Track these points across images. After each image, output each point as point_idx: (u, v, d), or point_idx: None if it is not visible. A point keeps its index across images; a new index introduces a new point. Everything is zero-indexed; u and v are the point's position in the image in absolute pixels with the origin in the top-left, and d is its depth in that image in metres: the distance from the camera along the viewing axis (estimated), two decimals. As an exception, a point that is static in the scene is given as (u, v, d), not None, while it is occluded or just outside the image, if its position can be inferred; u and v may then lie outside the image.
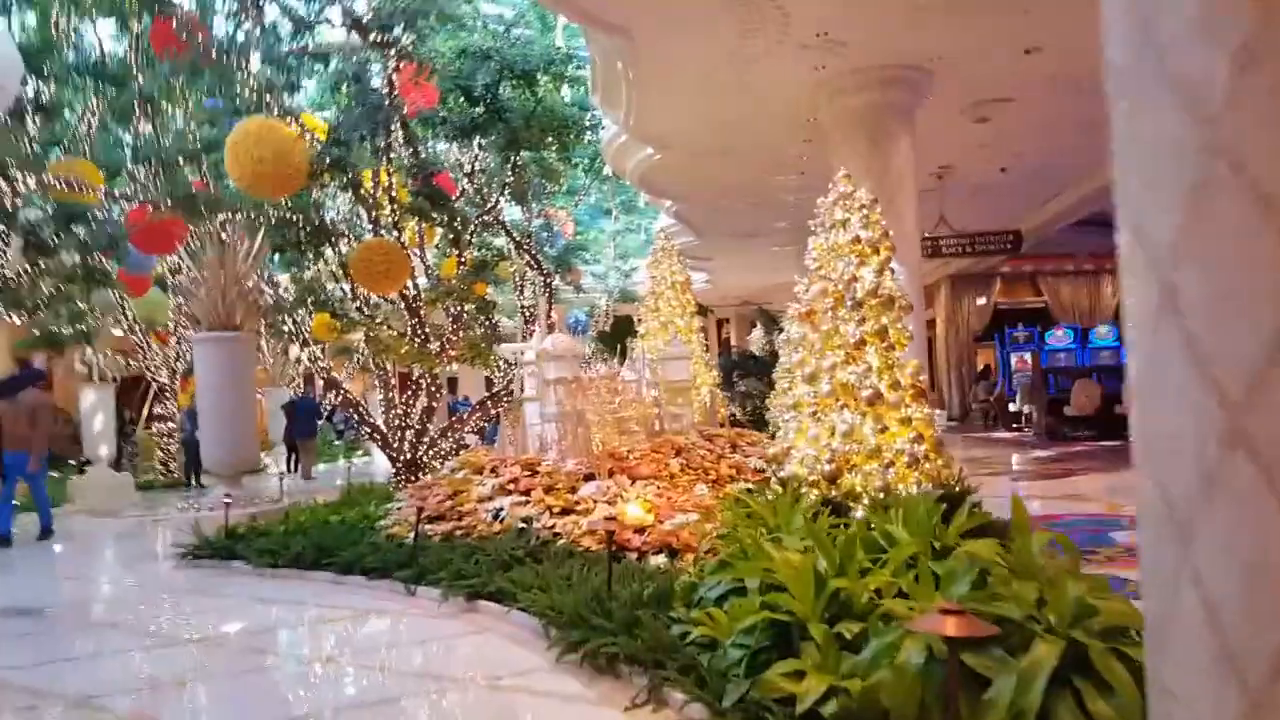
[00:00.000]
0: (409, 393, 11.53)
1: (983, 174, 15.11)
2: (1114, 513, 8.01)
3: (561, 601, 4.51)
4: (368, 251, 9.44)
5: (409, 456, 11.11)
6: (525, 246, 12.79)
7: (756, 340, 18.44)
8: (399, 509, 8.05)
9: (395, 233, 10.15)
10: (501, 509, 6.66)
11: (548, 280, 12.61)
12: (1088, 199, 17.03)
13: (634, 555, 5.53)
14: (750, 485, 8.54)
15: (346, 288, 10.83)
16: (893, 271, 6.20)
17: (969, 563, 3.56)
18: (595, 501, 6.31)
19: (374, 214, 10.35)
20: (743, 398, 16.61)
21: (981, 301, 25.60)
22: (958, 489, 5.87)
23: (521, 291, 13.72)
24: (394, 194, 9.94)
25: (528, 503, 6.71)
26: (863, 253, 6.20)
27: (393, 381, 12.25)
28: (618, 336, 18.21)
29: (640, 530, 5.75)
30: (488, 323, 10.97)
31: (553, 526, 6.18)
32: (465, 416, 11.75)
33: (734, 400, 16.26)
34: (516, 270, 13.79)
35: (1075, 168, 15.15)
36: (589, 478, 6.84)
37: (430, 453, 11.26)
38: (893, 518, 4.75)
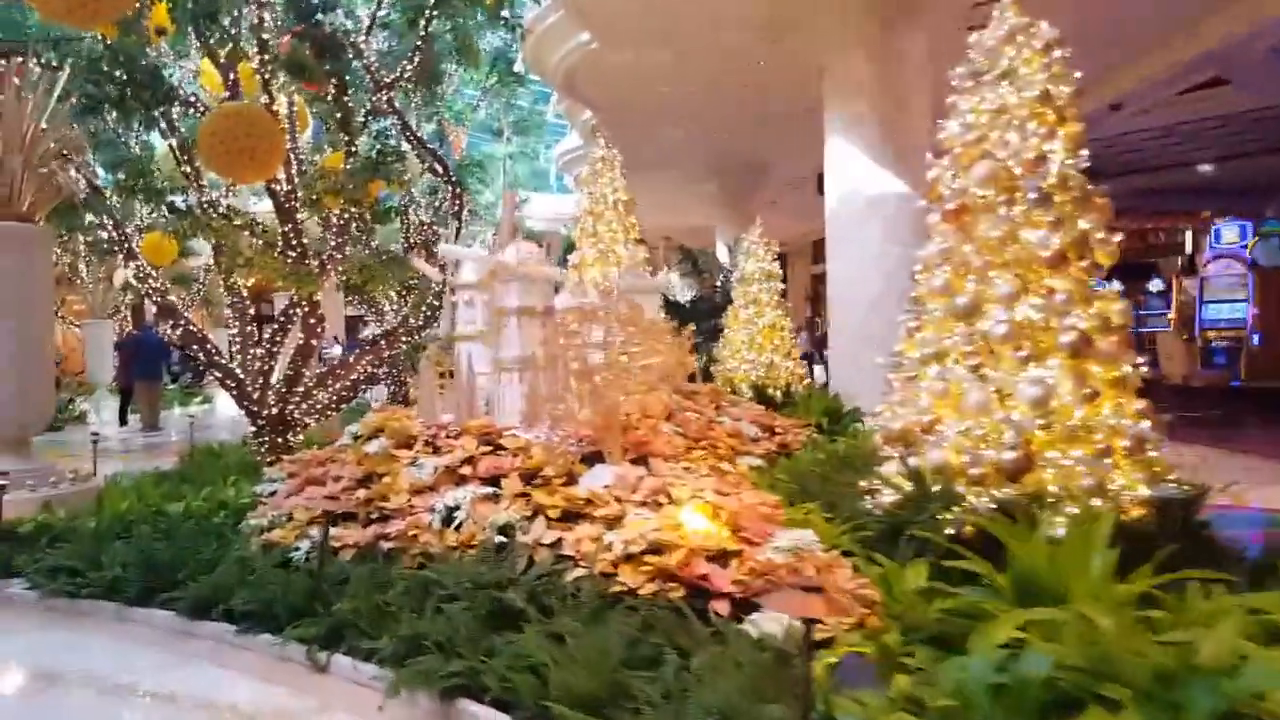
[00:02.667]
0: (274, 328, 8.68)
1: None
2: None
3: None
4: (224, 121, 6.53)
5: (274, 411, 8.31)
6: (428, 146, 9.99)
7: (676, 284, 16.24)
8: (273, 493, 5.43)
9: (264, 99, 7.25)
10: (457, 508, 4.18)
11: (458, 193, 9.89)
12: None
13: (722, 607, 3.20)
14: (758, 460, 6.36)
15: (194, 178, 7.81)
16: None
17: None
18: (619, 501, 3.91)
19: (230, 74, 7.40)
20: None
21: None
22: (1187, 493, 3.83)
23: (405, 215, 10.81)
24: (265, 39, 7.03)
25: (497, 498, 4.25)
26: (1049, 118, 3.99)
27: (251, 312, 9.32)
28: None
29: (722, 559, 3.42)
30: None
31: (555, 544, 3.75)
32: (351, 360, 8.98)
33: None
34: (414, 179, 10.94)
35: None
36: (591, 458, 4.44)
37: (304, 407, 8.49)
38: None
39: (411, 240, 12.47)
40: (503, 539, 3.89)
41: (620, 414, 4.35)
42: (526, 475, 4.37)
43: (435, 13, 8.08)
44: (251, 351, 8.69)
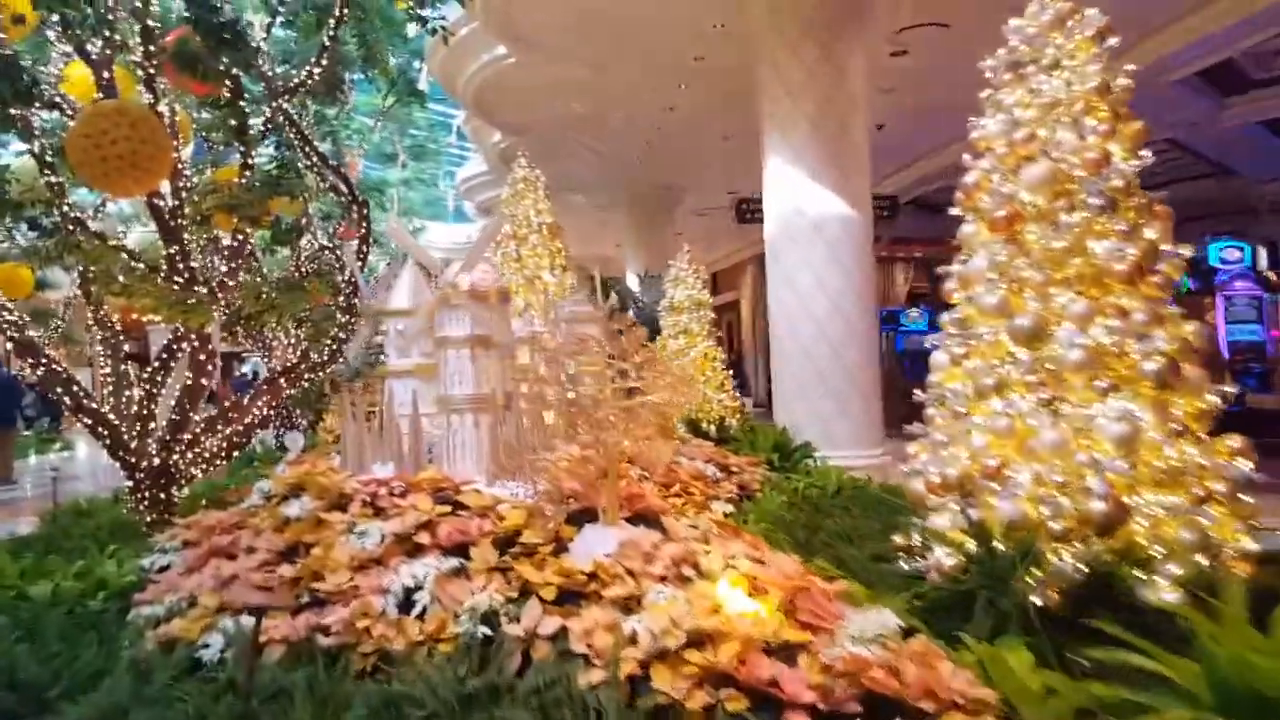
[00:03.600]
0: (154, 366, 7.54)
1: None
2: None
3: None
4: (99, 121, 5.49)
5: (156, 462, 7.15)
6: (330, 163, 9.03)
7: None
8: (165, 568, 4.43)
9: (147, 96, 6.22)
10: (418, 588, 3.33)
11: (363, 214, 8.94)
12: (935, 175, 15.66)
13: None
14: (727, 505, 5.73)
15: (59, 192, 6.66)
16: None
17: None
18: (631, 575, 3.15)
19: (104, 73, 6.36)
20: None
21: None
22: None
23: (299, 235, 9.77)
24: (150, 26, 6.02)
25: (466, 573, 3.42)
26: (1105, 114, 3.50)
27: (125, 347, 8.13)
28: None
29: (785, 653, 2.70)
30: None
31: (557, 635, 2.95)
32: (246, 402, 7.86)
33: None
34: (313, 198, 9.90)
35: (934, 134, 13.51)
36: (577, 518, 3.65)
37: (189, 456, 7.36)
38: None
39: (303, 269, 11.40)
40: (485, 630, 3.06)
41: (624, 462, 3.60)
42: (501, 542, 3.56)
43: (345, 10, 7.17)
44: (127, 394, 7.52)
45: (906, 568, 3.72)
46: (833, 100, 8.19)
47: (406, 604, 3.32)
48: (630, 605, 3.00)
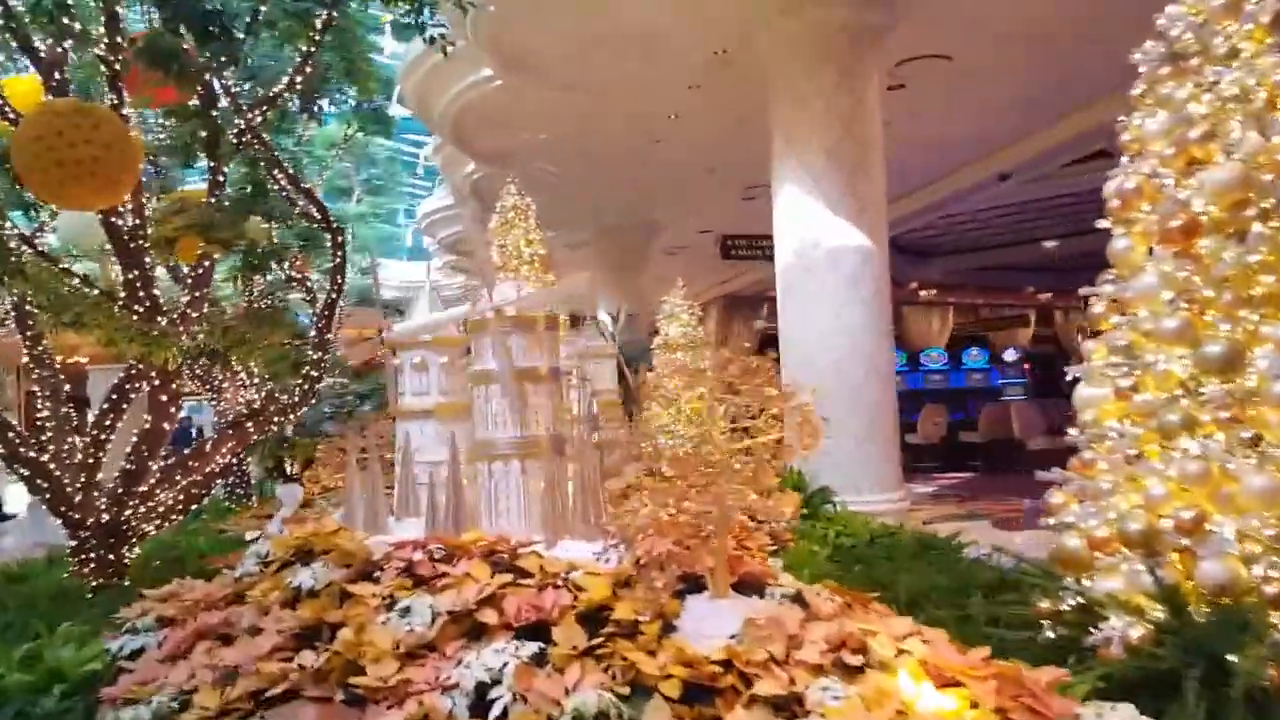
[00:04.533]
0: (103, 407, 6.67)
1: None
2: None
3: None
4: (54, 120, 4.75)
5: (105, 518, 6.26)
6: (302, 185, 8.27)
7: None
8: (138, 651, 3.64)
9: (110, 97, 5.47)
10: (494, 682, 2.62)
11: (339, 242, 8.19)
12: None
13: None
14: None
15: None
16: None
17: None
18: (776, 664, 2.49)
19: (55, 74, 5.62)
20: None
21: (758, 324, 24.00)
22: None
23: (280, 260, 8.97)
24: (115, 12, 5.28)
25: (543, 659, 2.72)
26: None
27: (66, 388, 7.21)
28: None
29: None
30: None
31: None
32: (209, 449, 6.98)
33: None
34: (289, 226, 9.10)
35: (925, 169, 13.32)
36: (682, 585, 2.98)
37: (142, 510, 6.48)
38: None
39: (256, 303, 10.56)
40: (597, 743, 2.37)
41: (738, 518, 2.96)
42: (586, 619, 2.87)
43: (334, 15, 6.49)
44: (70, 440, 6.62)
45: (1052, 636, 3.14)
46: (851, 128, 7.76)
47: (481, 704, 2.60)
48: (790, 707, 2.34)
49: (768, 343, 25.31)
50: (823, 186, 7.71)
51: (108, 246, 6.26)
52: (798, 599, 2.95)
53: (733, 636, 2.66)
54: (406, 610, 3.01)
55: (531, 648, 2.76)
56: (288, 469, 11.08)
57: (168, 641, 3.57)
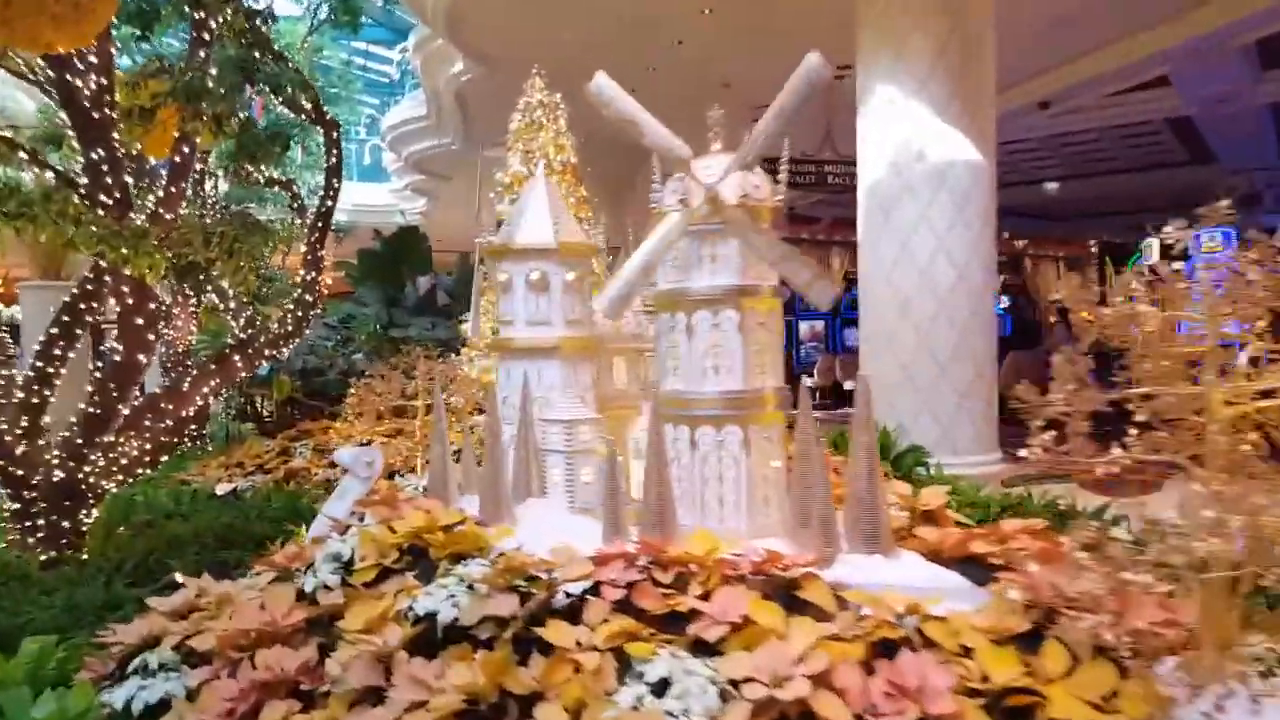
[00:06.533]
0: (51, 333, 5.21)
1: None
2: None
3: None
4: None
5: (58, 476, 4.85)
6: (296, 70, 6.69)
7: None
8: (161, 703, 2.35)
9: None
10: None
11: (334, 137, 6.72)
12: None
13: None
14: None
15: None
16: None
17: None
18: None
19: None
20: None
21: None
22: None
23: (284, 147, 7.33)
24: None
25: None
26: None
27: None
28: (401, 258, 12.29)
29: None
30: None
31: None
32: (187, 387, 5.52)
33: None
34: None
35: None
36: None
37: (102, 465, 5.07)
38: None
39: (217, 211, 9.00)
40: None
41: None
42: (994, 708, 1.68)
43: None
44: (4, 374, 5.16)
45: None
46: (960, 20, 6.52)
47: None
48: None
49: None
50: (930, 87, 6.47)
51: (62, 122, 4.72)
52: None
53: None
54: (664, 685, 1.78)
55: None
56: (260, 410, 9.64)
57: (209, 695, 2.29)
